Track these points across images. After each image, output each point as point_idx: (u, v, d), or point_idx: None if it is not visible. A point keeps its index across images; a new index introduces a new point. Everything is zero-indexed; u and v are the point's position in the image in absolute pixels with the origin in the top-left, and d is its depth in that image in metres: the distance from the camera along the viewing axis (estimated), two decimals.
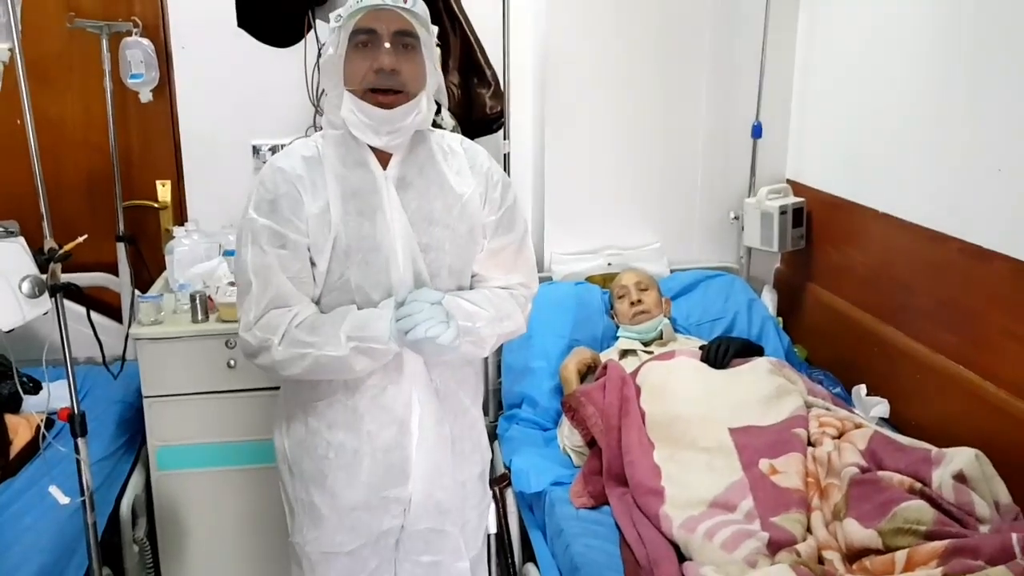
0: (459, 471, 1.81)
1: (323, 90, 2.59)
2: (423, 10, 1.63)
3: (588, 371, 2.55)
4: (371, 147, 1.66)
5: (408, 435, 1.72)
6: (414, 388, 1.72)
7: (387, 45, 1.57)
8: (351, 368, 1.61)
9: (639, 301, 2.65)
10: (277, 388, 2.41)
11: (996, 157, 2.07)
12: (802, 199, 2.93)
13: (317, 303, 1.68)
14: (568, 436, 2.39)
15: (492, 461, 2.02)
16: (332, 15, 1.62)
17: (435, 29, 1.68)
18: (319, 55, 2.54)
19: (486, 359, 2.61)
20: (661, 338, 2.61)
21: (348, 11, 1.59)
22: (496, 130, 2.73)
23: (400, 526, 1.79)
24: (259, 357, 1.63)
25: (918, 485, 1.86)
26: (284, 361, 1.61)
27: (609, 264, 3.00)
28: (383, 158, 1.68)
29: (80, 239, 1.87)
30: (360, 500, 1.74)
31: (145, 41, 2.81)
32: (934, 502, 1.80)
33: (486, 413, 2.68)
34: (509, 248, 1.79)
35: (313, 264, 1.64)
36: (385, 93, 1.59)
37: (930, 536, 1.69)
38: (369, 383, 1.69)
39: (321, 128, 2.67)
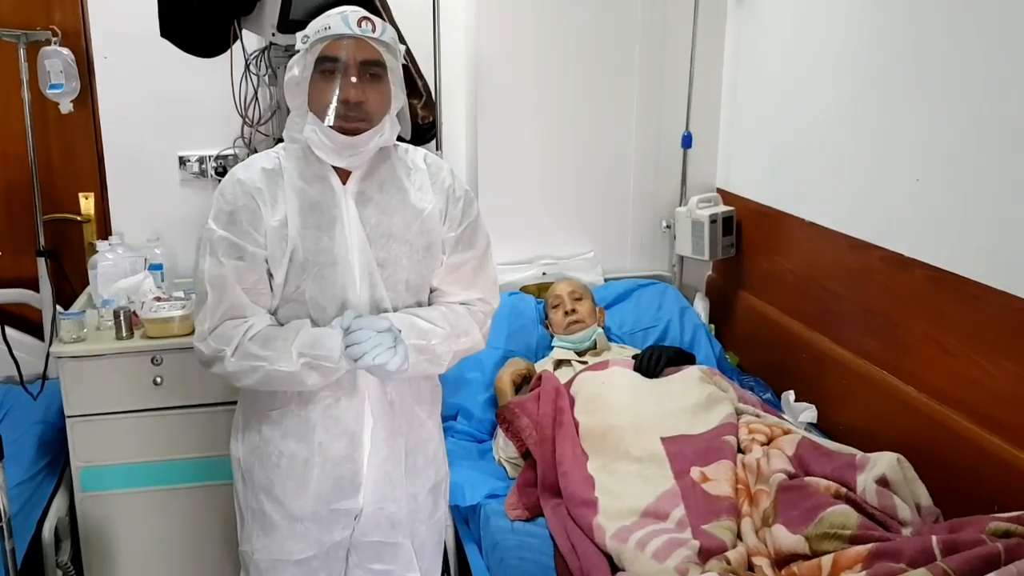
0: (411, 484, 1.80)
1: (256, 98, 2.57)
2: (391, 37, 1.63)
3: (523, 381, 2.55)
4: None
5: (360, 448, 1.73)
6: (367, 401, 1.72)
7: (354, 79, 1.58)
8: (302, 382, 1.63)
9: (573, 311, 2.66)
10: (207, 405, 2.41)
11: (914, 167, 2.13)
12: (731, 208, 2.97)
13: (274, 314, 1.69)
14: (503, 448, 2.39)
15: None
16: (299, 35, 1.62)
17: (402, 49, 1.67)
18: (247, 66, 2.49)
19: None
20: (595, 348, 2.63)
21: (316, 35, 1.58)
22: (429, 140, 2.72)
23: (350, 537, 1.78)
24: (213, 367, 1.65)
25: (843, 490, 1.90)
26: (236, 372, 1.63)
27: (544, 274, 3.00)
28: (343, 173, 1.68)
29: None
30: (308, 511, 1.73)
31: (65, 50, 2.73)
32: (858, 506, 1.84)
33: None
34: (469, 264, 1.79)
35: (270, 276, 1.65)
36: (349, 120, 1.59)
37: (855, 540, 1.72)
38: (322, 394, 1.70)
39: (248, 139, 2.66)
